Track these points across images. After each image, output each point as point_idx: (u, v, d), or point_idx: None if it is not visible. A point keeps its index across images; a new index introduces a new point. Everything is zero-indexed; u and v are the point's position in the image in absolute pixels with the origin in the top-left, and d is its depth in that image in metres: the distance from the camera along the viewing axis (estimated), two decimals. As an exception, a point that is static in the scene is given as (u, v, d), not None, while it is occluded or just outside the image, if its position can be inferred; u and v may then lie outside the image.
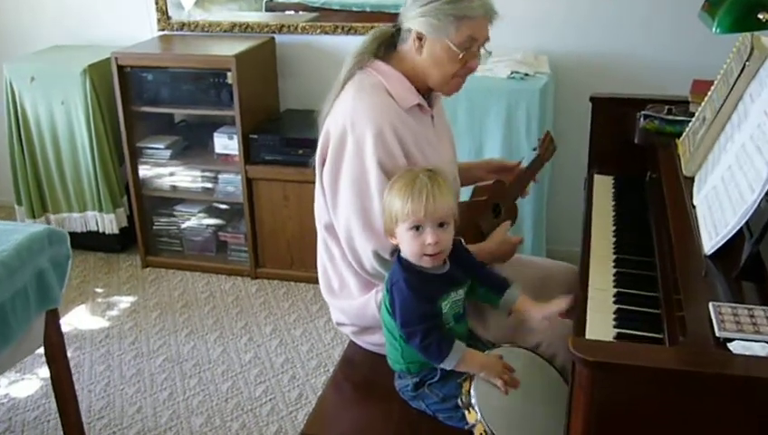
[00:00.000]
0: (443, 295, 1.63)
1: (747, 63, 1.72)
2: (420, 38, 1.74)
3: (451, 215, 1.60)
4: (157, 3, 3.63)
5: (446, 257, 1.64)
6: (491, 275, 1.75)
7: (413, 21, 1.73)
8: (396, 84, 1.77)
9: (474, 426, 1.56)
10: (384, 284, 1.70)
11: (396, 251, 1.67)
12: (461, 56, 1.73)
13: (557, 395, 1.60)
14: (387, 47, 1.81)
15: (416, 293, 1.59)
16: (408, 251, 1.61)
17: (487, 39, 1.76)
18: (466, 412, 1.59)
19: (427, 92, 1.85)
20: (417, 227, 1.57)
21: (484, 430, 1.53)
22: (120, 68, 3.34)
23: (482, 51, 1.77)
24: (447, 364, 1.59)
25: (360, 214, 1.73)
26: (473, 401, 1.56)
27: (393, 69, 1.79)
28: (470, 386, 1.59)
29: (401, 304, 1.60)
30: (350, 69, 1.80)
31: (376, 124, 1.70)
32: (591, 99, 2.38)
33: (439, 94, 1.91)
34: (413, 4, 1.74)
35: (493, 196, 2.06)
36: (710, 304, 1.29)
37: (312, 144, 3.14)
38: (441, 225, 1.58)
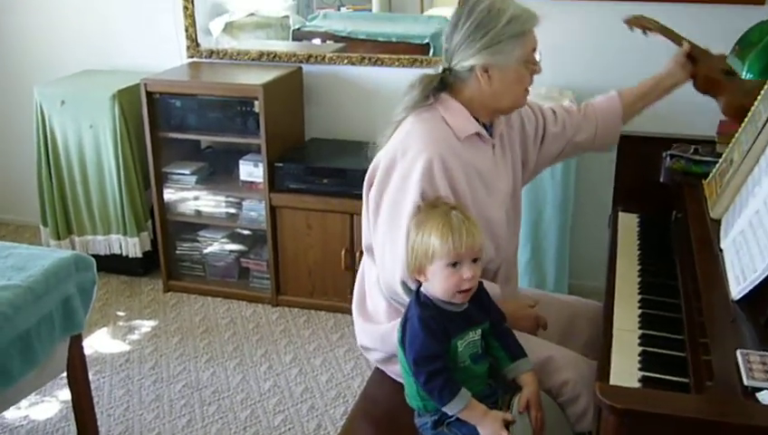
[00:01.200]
0: (459, 334, 1.63)
1: (776, 107, 1.72)
2: (487, 70, 1.75)
3: (480, 251, 1.62)
4: (186, 30, 3.68)
5: None
6: (509, 332, 1.73)
7: (474, 57, 1.74)
8: (456, 114, 1.79)
9: None
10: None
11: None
12: (529, 69, 1.79)
13: None
14: (435, 90, 1.81)
15: (428, 331, 1.58)
16: (442, 288, 1.60)
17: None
18: None
19: (488, 121, 1.86)
20: (454, 264, 1.58)
21: None
22: (149, 94, 3.39)
23: (537, 55, 1.81)
24: (450, 410, 1.59)
25: (393, 240, 1.75)
26: None
27: (453, 99, 1.81)
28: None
29: (411, 342, 1.60)
30: (403, 118, 1.81)
31: (427, 155, 1.71)
32: (617, 136, 2.38)
33: (502, 121, 1.91)
34: (469, 43, 1.74)
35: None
36: (738, 352, 1.28)
37: (336, 173, 3.24)
38: (474, 260, 1.60)
